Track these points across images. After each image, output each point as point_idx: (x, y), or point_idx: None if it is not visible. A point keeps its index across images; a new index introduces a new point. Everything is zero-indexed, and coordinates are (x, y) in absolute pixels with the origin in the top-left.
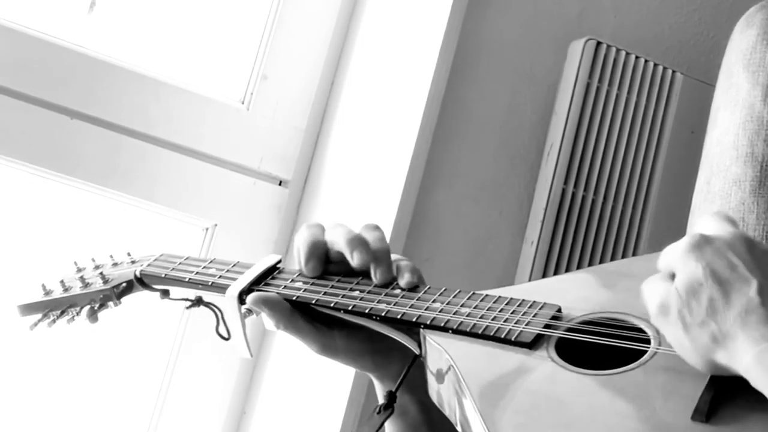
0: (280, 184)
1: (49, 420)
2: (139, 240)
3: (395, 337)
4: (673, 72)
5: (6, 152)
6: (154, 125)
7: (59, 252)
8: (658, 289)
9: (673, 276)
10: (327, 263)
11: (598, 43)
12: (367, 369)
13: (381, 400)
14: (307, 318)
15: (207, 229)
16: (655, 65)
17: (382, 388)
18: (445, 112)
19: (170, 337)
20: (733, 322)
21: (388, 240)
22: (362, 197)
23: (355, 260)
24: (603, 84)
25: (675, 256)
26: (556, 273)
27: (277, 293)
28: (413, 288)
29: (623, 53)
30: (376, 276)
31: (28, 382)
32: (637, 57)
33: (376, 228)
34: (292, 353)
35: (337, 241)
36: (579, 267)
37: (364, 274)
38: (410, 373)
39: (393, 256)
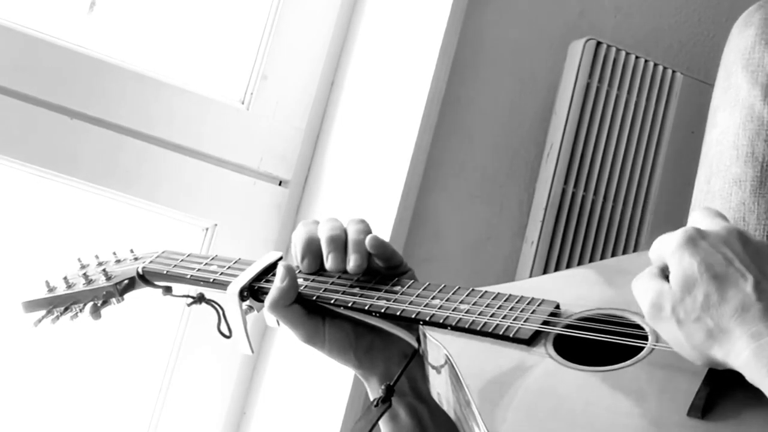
0: (280, 184)
1: (50, 420)
2: (139, 240)
3: (395, 333)
4: (673, 72)
5: (6, 152)
6: (154, 125)
7: (59, 252)
8: (650, 286)
9: (664, 270)
10: (322, 259)
11: (598, 43)
12: (352, 365)
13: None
14: (304, 307)
15: (207, 229)
16: (655, 65)
17: (368, 388)
18: (445, 112)
19: (171, 336)
20: (729, 317)
21: (387, 239)
22: (362, 197)
23: (328, 263)
24: (603, 84)
25: (668, 249)
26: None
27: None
28: (411, 284)
29: (623, 53)
30: (348, 265)
31: (29, 381)
32: (637, 57)
33: (360, 221)
34: (293, 353)
35: (321, 239)
36: None
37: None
38: (400, 378)
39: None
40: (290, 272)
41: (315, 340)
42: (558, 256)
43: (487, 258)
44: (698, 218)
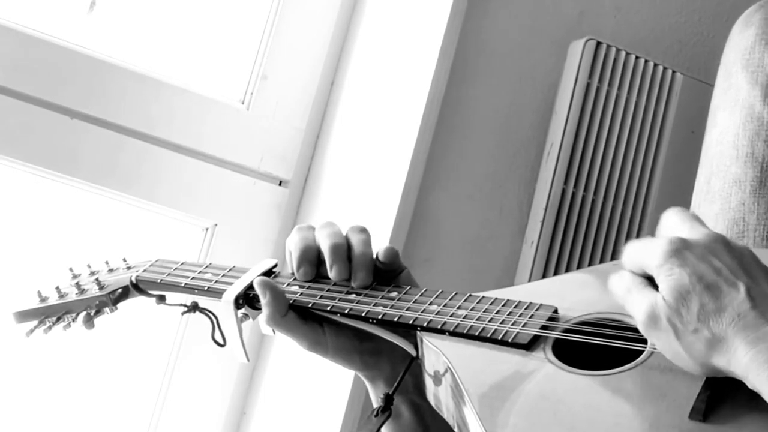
0: (280, 184)
1: (51, 420)
2: (138, 240)
3: (392, 340)
4: (673, 72)
5: (6, 152)
6: (154, 125)
7: (59, 252)
8: (642, 298)
9: (647, 280)
10: (319, 266)
11: (598, 43)
12: (357, 368)
13: (375, 403)
14: (300, 315)
15: (207, 229)
16: (655, 65)
17: (373, 390)
18: (445, 112)
19: (170, 337)
20: (726, 326)
21: (387, 239)
22: (362, 197)
23: (333, 274)
24: (603, 84)
25: (653, 261)
26: (556, 273)
27: None
28: (408, 290)
29: (623, 53)
30: (355, 281)
31: (30, 382)
32: (637, 57)
33: (362, 231)
34: (292, 354)
35: (323, 247)
36: (579, 267)
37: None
38: (399, 386)
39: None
40: (267, 285)
41: (317, 347)
42: (558, 257)
43: (487, 258)
44: (675, 223)
